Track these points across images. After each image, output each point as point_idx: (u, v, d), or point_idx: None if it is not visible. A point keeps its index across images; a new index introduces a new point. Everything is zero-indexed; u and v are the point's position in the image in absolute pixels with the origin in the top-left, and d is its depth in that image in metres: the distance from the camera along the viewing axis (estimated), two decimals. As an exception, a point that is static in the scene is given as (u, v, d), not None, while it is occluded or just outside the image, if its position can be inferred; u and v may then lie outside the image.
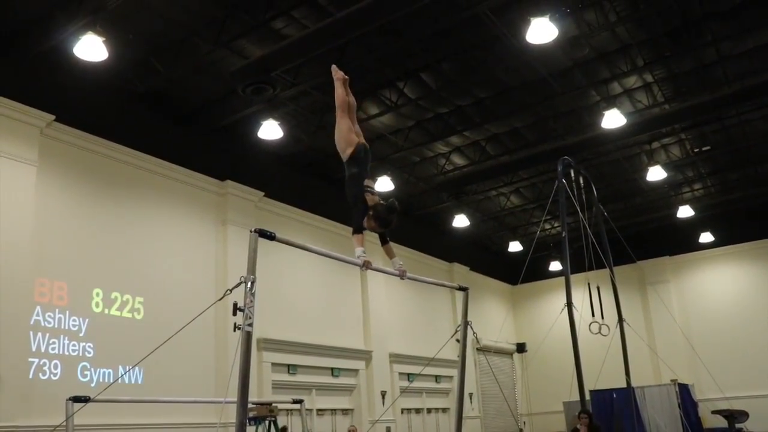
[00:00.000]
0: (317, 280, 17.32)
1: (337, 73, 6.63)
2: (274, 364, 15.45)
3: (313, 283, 17.20)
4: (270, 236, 5.05)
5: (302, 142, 16.00)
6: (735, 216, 23.14)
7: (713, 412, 20.34)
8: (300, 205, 17.17)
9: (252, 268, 4.81)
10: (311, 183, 17.94)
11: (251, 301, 4.72)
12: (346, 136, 6.15)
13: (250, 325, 4.69)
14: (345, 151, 6.06)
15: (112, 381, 5.90)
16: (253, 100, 13.60)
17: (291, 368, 15.98)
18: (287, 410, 14.90)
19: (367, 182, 5.96)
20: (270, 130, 13.93)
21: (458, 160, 18.06)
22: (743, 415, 19.26)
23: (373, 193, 5.91)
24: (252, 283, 4.76)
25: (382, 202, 5.85)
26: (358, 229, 5.87)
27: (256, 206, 15.74)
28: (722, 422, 19.79)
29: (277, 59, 12.28)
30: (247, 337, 4.68)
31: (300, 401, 11.71)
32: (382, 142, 16.42)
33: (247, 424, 5.18)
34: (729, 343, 22.65)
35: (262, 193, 15.84)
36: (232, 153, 15.49)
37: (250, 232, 4.96)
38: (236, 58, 12.47)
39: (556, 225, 21.95)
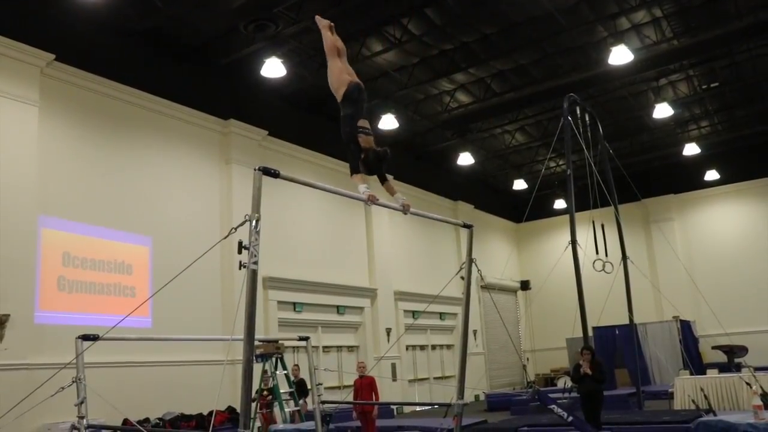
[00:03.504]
0: (322, 219, 17.38)
1: (321, 22, 6.57)
2: (279, 302, 15.63)
3: (318, 221, 17.26)
4: (274, 174, 5.02)
5: (305, 80, 15.82)
6: (741, 153, 23.03)
7: (713, 348, 20.64)
8: (304, 143, 17.10)
9: (256, 207, 4.80)
10: (315, 121, 17.81)
11: (256, 240, 4.71)
12: (338, 76, 6.03)
13: (255, 263, 4.70)
14: (338, 91, 5.94)
15: (120, 318, 6.00)
16: (255, 37, 13.41)
17: (297, 306, 16.17)
18: (293, 347, 15.15)
19: (361, 122, 5.80)
20: (273, 68, 13.76)
21: (463, 97, 17.87)
22: (742, 350, 19.55)
23: (368, 134, 5.77)
24: (257, 221, 4.75)
25: (374, 147, 5.73)
26: (355, 170, 5.79)
27: (259, 145, 15.68)
28: (722, 357, 20.10)
29: (279, -6, 12.06)
30: (253, 275, 4.69)
31: (306, 338, 11.82)
32: (385, 79, 16.23)
33: (254, 360, 5.25)
34: (731, 281, 22.82)
35: (266, 132, 15.76)
36: (234, 91, 15.35)
37: (254, 170, 4.92)
38: (237, -6, 12.24)
39: (561, 163, 21.85)
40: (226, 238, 5.41)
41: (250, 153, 15.18)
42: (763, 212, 23.47)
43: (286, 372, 12.46)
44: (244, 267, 4.73)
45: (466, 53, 15.49)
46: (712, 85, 18.52)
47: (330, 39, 6.35)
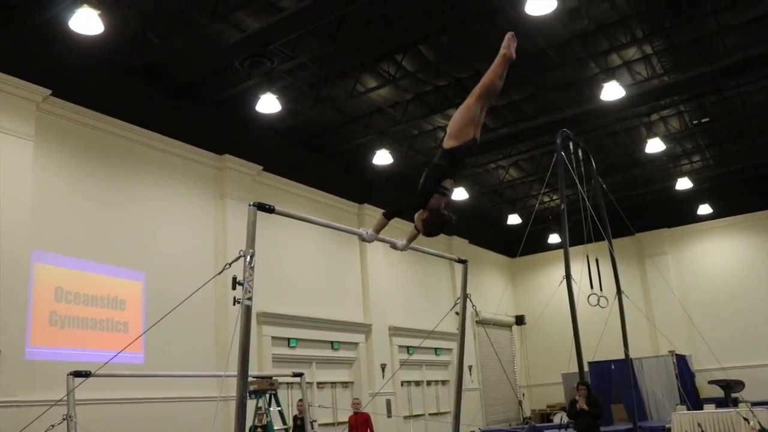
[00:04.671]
0: (316, 254, 17.36)
1: (509, 48, 5.46)
2: (274, 338, 15.53)
3: (313, 256, 17.24)
4: (269, 209, 5.05)
5: (300, 116, 15.93)
6: (733, 188, 23.17)
7: (710, 382, 20.50)
8: (298, 178, 17.16)
9: (251, 242, 4.81)
10: (309, 156, 17.91)
11: (250, 275, 4.72)
12: (466, 123, 5.22)
13: (250, 298, 4.70)
14: (450, 138, 5.23)
15: (113, 355, 5.97)
16: (250, 73, 13.53)
17: (291, 342, 16.07)
18: (287, 383, 15.02)
19: (446, 183, 5.34)
20: (268, 104, 13.85)
21: (457, 133, 17.95)
22: (739, 384, 19.46)
23: (445, 195, 5.33)
24: (251, 256, 4.76)
25: (442, 211, 5.30)
26: (392, 215, 5.40)
27: (254, 180, 15.72)
28: (719, 392, 19.97)
29: (274, 32, 12.19)
30: (247, 310, 4.69)
31: (300, 374, 11.78)
32: (380, 115, 16.36)
33: (248, 397, 5.22)
34: (726, 314, 22.79)
35: (261, 167, 15.82)
36: (230, 127, 15.43)
37: (249, 205, 4.95)
38: (233, 31, 12.36)
39: (554, 197, 21.94)
40: (220, 273, 5.41)
41: (245, 188, 15.22)
42: (756, 246, 23.55)
43: (279, 408, 12.37)
44: (239, 303, 4.73)
45: (459, 89, 15.61)
46: (702, 121, 18.70)
47: (497, 73, 5.52)
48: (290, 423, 13.32)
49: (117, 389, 11.35)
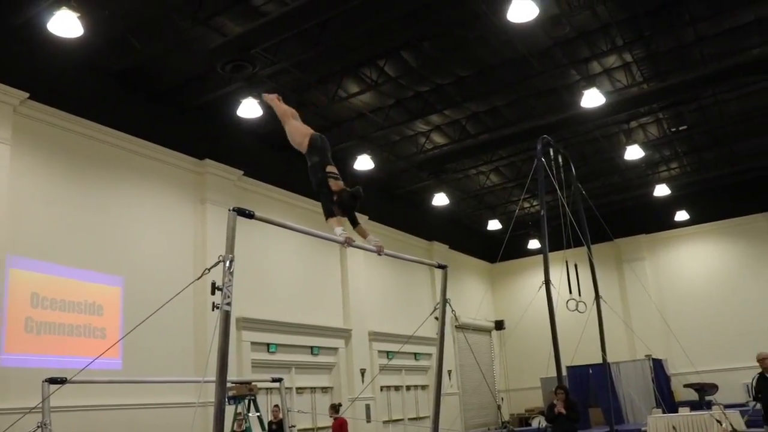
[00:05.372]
0: (297, 260, 17.32)
1: (268, 97, 7.24)
2: (253, 343, 15.47)
3: (293, 262, 17.20)
4: (249, 215, 5.04)
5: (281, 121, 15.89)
6: (709, 195, 23.47)
7: (685, 386, 20.79)
8: (279, 184, 17.12)
9: (230, 247, 4.81)
10: (291, 162, 17.78)
11: (230, 281, 4.71)
12: (299, 130, 6.53)
13: (229, 304, 4.69)
14: (302, 144, 6.33)
15: (90, 361, 5.91)
16: (232, 78, 13.50)
17: (270, 347, 16.01)
18: (267, 389, 14.97)
19: (329, 168, 6.11)
20: (249, 109, 13.83)
21: (438, 138, 18.06)
22: (713, 387, 19.73)
23: (337, 178, 6.05)
24: (230, 262, 4.75)
25: (346, 188, 6.01)
26: (329, 214, 5.99)
27: (235, 185, 15.66)
28: (693, 395, 20.23)
29: (256, 37, 12.18)
30: (226, 316, 4.68)
31: (279, 380, 11.75)
32: (361, 120, 16.38)
33: (226, 402, 5.20)
34: (701, 319, 23.08)
35: (241, 172, 15.77)
36: (210, 132, 15.37)
37: (229, 210, 4.94)
38: (215, 35, 12.32)
39: (534, 203, 22.08)
40: (199, 278, 5.39)
41: (226, 193, 15.16)
42: (730, 252, 23.88)
43: (259, 414, 12.32)
44: (218, 308, 4.72)
45: (441, 95, 15.70)
46: (680, 128, 18.92)
47: (281, 108, 7.01)
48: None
49: (94, 396, 11.24)
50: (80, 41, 11.17)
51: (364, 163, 17.21)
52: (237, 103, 13.86)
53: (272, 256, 16.41)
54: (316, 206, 18.49)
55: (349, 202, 5.99)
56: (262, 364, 15.57)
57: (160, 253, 13.68)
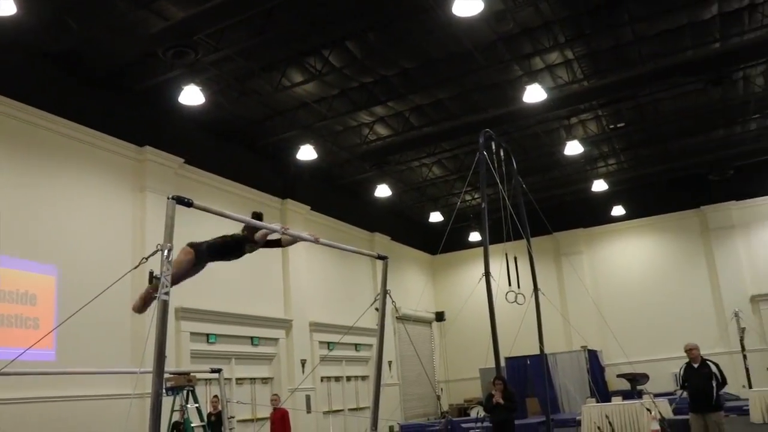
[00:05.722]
0: (237, 248, 17.12)
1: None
2: (192, 334, 15.28)
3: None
4: (188, 203, 4.97)
5: (224, 109, 15.70)
6: (645, 191, 24.17)
7: (618, 376, 21.42)
8: (221, 172, 16.90)
9: (169, 236, 4.73)
10: (233, 150, 17.67)
11: (168, 270, 4.64)
12: (181, 254, 5.72)
13: (167, 293, 4.62)
14: (185, 263, 5.74)
15: (21, 351, 5.75)
16: (174, 63, 13.23)
17: (210, 337, 15.84)
18: (206, 380, 14.81)
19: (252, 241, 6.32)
20: (191, 96, 13.58)
21: (382, 130, 18.09)
22: (644, 377, 20.41)
23: (257, 244, 6.34)
24: (169, 251, 4.68)
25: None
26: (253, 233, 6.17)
27: (175, 173, 15.40)
28: (626, 385, 20.86)
29: (199, 22, 11.98)
30: (164, 306, 4.61)
31: (218, 370, 11.64)
32: (305, 110, 16.29)
33: (164, 394, 5.13)
34: (634, 311, 23.78)
35: (182, 160, 15.51)
36: (151, 118, 15.05)
37: (168, 198, 4.87)
38: (157, 19, 12.05)
39: (476, 196, 22.33)
40: (136, 267, 5.31)
41: (166, 181, 14.88)
42: (663, 247, 24.65)
43: (197, 405, 12.19)
44: (155, 298, 4.65)
45: (385, 87, 15.73)
46: (618, 125, 19.40)
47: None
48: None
49: (26, 388, 10.92)
50: (13, 20, 10.79)
51: (306, 153, 17.13)
52: (179, 90, 13.60)
53: (213, 246, 16.19)
54: (258, 195, 18.41)
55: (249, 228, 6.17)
56: (201, 354, 15.40)
57: (97, 242, 13.37)
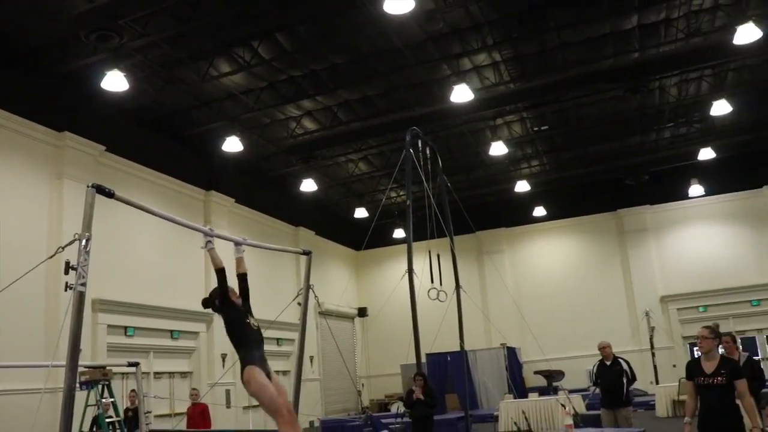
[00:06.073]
0: (159, 240, 16.79)
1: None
2: (110, 326, 14.90)
3: (155, 242, 16.66)
4: (109, 193, 4.85)
5: (149, 96, 15.33)
6: (565, 193, 24.85)
7: (535, 373, 22.00)
8: (144, 161, 16.51)
9: (87, 226, 4.61)
10: (157, 139, 17.27)
11: (85, 260, 4.53)
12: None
13: (83, 284, 4.51)
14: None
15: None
16: (97, 47, 12.84)
17: (128, 330, 15.48)
18: (123, 374, 14.46)
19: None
20: (114, 82, 13.19)
21: (309, 124, 18.02)
22: (560, 374, 21.04)
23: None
24: (87, 240, 4.56)
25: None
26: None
27: (96, 161, 14.95)
28: (543, 381, 21.45)
29: (125, 6, 11.68)
30: (80, 297, 4.49)
31: (135, 364, 11.37)
32: (232, 101, 16.08)
33: (78, 388, 5.00)
34: (552, 310, 24.44)
35: (104, 147, 15.07)
36: (71, 103, 14.55)
37: (87, 187, 4.74)
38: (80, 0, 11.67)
39: (401, 193, 22.50)
40: (52, 257, 5.15)
41: (86, 169, 14.41)
42: (582, 247, 25.43)
43: (113, 400, 11.89)
44: (71, 288, 4.53)
45: (314, 81, 15.67)
46: (542, 128, 19.90)
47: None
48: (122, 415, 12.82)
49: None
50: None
51: (232, 144, 16.89)
52: (101, 75, 13.17)
53: (133, 236, 15.83)
54: (182, 186, 18.02)
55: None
56: (118, 347, 15.02)
57: (10, 230, 12.84)
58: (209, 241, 5.79)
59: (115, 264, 14.97)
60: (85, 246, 4.55)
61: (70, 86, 14.25)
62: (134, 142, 16.37)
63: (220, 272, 5.74)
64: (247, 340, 5.57)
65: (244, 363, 5.43)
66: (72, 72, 13.79)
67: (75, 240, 4.57)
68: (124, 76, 13.19)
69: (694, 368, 5.94)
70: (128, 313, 15.44)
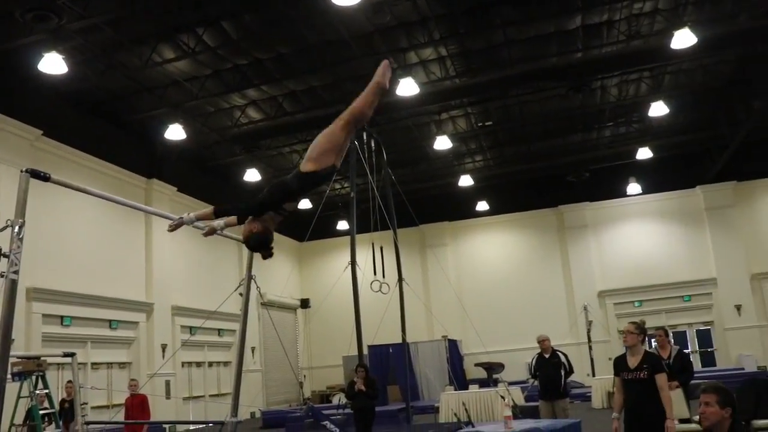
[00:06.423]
0: (97, 228, 16.44)
1: (383, 76, 4.90)
2: (45, 315, 14.54)
3: (93, 230, 16.31)
4: (44, 177, 4.73)
5: (89, 80, 14.95)
6: (507, 188, 25.19)
7: (476, 365, 22.27)
8: (83, 147, 16.12)
9: (21, 211, 4.49)
10: (97, 125, 16.87)
11: (18, 247, 4.41)
12: (328, 149, 4.65)
13: (16, 272, 4.39)
14: (309, 161, 4.58)
15: None
16: (34, 28, 12.44)
17: (64, 320, 15.13)
18: (58, 364, 14.13)
19: (287, 205, 4.77)
20: (53, 64, 12.80)
21: (254, 113, 17.86)
22: (500, 367, 21.38)
23: (281, 215, 4.78)
24: (20, 227, 4.44)
25: (266, 233, 4.67)
26: (221, 214, 4.70)
27: (32, 145, 14.54)
28: (483, 373, 21.74)
29: (64, -14, 11.35)
30: (12, 285, 4.38)
31: (72, 354, 11.12)
32: (175, 88, 15.82)
33: (10, 380, 4.88)
34: (492, 303, 24.77)
35: (40, 132, 14.66)
36: (5, 85, 14.10)
37: (21, 171, 4.62)
38: (15, -22, 11.33)
39: (345, 185, 22.47)
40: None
41: (21, 153, 13.99)
42: (523, 242, 25.84)
43: (47, 391, 11.62)
44: (2, 276, 4.41)
45: (259, 70, 15.53)
46: (486, 124, 20.14)
47: (365, 102, 4.96)
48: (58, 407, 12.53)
49: None
50: None
51: (175, 132, 16.60)
52: (38, 57, 12.76)
53: (70, 223, 15.46)
54: (123, 173, 17.63)
55: (261, 245, 4.73)
56: (54, 337, 14.68)
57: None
58: (181, 218, 4.71)
59: (51, 252, 14.61)
60: (18, 232, 4.44)
61: (4, 67, 13.80)
62: (73, 127, 15.97)
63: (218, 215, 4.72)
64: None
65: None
66: (6, 53, 13.34)
67: (7, 226, 4.45)
68: (63, 58, 12.82)
69: (619, 364, 6.12)
70: (65, 302, 15.09)
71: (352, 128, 4.86)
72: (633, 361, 5.96)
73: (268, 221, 4.64)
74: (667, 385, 5.82)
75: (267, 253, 4.80)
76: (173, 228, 4.94)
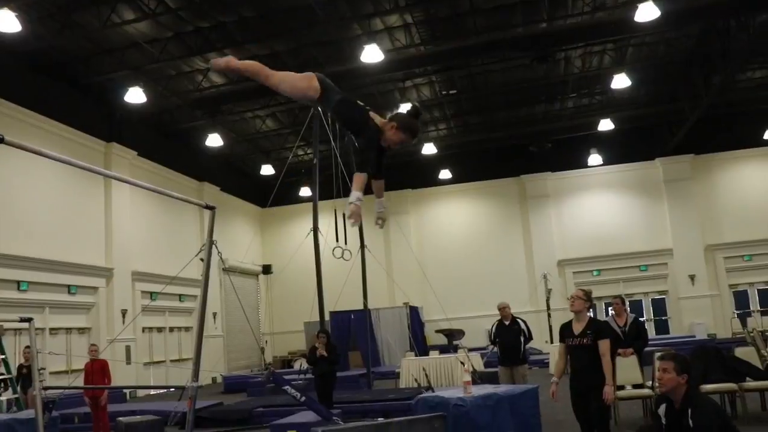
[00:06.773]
0: (54, 192, 16.14)
1: (221, 64, 4.75)
2: (1, 280, 14.32)
3: (49, 194, 16.01)
4: (-1, 139, 4.63)
5: (44, 40, 14.55)
6: (470, 157, 25.29)
7: (437, 332, 22.58)
8: (40, 109, 15.74)
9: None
10: (53, 86, 16.47)
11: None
12: (297, 77, 4.45)
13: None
14: (310, 90, 4.41)
15: None
16: (-15, -16, 12.06)
17: (21, 285, 14.91)
18: (15, 330, 13.96)
19: (383, 123, 4.46)
20: (6, 22, 12.42)
21: (216, 78, 17.61)
22: (460, 333, 21.70)
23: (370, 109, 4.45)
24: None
25: (395, 112, 4.43)
26: (364, 166, 4.37)
27: (-17, 106, 14.17)
28: (443, 340, 22.07)
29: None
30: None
31: (29, 320, 10.98)
32: (136, 50, 15.51)
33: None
34: (453, 271, 25.01)
35: (-7, 92, 14.28)
36: (-44, 43, 13.68)
37: (-26, 133, 4.51)
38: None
39: (308, 151, 22.37)
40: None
41: (-27, 113, 13.66)
42: (484, 211, 26.06)
43: (4, 357, 11.51)
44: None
45: (222, 33, 15.28)
46: (451, 92, 20.16)
47: (249, 66, 4.86)
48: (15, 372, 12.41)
49: None
50: None
51: (135, 95, 16.31)
52: (-9, 15, 12.41)
53: (26, 187, 15.16)
54: (81, 137, 17.33)
55: (412, 122, 4.41)
56: (10, 302, 14.49)
57: None
58: (352, 203, 4.15)
59: (6, 216, 14.35)
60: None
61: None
62: (28, 88, 15.58)
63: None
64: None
65: None
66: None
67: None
68: (16, 16, 12.43)
69: (564, 330, 6.24)
70: (21, 267, 14.87)
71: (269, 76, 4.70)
72: (578, 327, 6.07)
73: (387, 120, 4.44)
74: (609, 352, 5.93)
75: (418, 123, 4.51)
76: (354, 216, 4.26)
